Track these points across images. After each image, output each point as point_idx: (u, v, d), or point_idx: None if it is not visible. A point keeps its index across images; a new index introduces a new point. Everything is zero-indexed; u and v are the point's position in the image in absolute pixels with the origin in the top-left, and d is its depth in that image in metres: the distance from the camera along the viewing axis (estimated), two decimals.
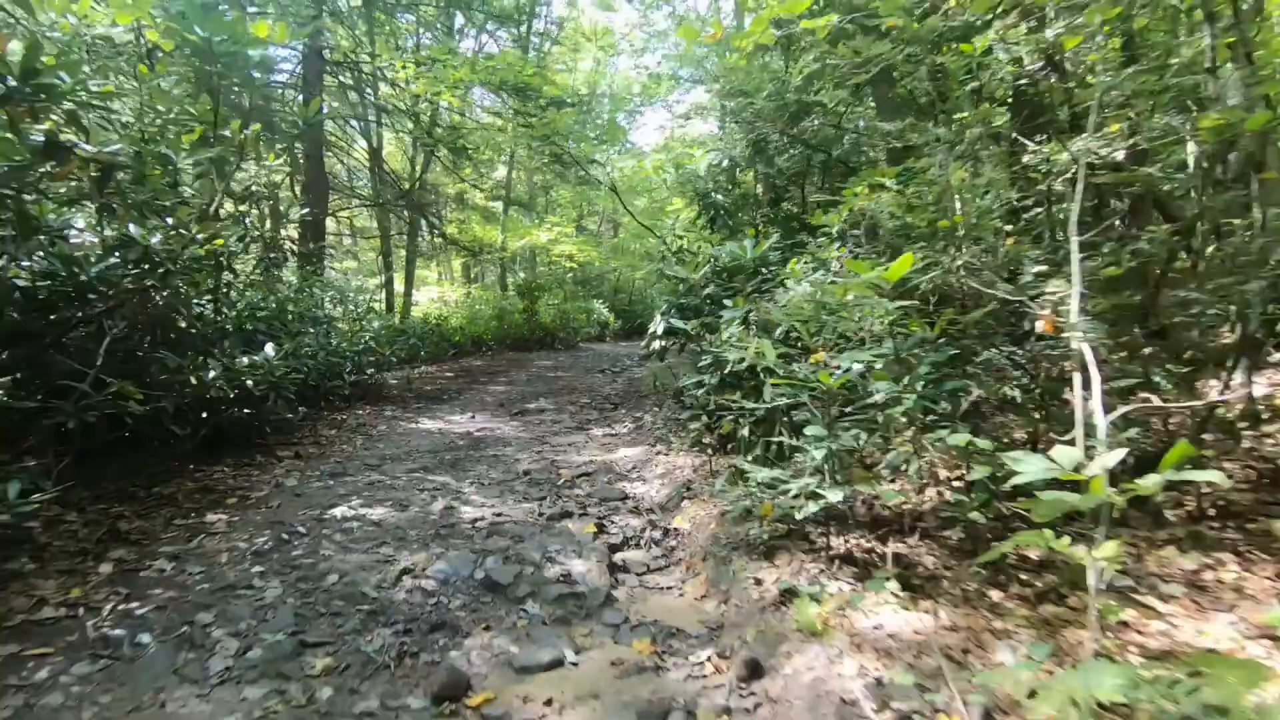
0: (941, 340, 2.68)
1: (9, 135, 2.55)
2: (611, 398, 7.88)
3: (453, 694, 2.08)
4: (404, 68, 8.31)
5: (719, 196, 5.69)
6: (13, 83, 2.22)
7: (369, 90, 13.89)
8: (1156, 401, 2.35)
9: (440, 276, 22.50)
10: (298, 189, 10.70)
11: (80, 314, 3.48)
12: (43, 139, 2.50)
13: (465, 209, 20.97)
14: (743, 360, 2.95)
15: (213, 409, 4.14)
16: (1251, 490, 2.55)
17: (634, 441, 5.48)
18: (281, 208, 7.73)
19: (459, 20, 16.70)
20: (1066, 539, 1.93)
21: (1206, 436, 2.88)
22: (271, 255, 6.32)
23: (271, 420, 5.05)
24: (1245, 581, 2.15)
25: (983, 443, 2.08)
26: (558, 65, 19.77)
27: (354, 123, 15.39)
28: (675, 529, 3.49)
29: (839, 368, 2.48)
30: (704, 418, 4.30)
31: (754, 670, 2.11)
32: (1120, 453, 1.76)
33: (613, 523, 3.63)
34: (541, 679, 2.20)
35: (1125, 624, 2.03)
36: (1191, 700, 1.47)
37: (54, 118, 2.56)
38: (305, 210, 7.68)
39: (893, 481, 2.63)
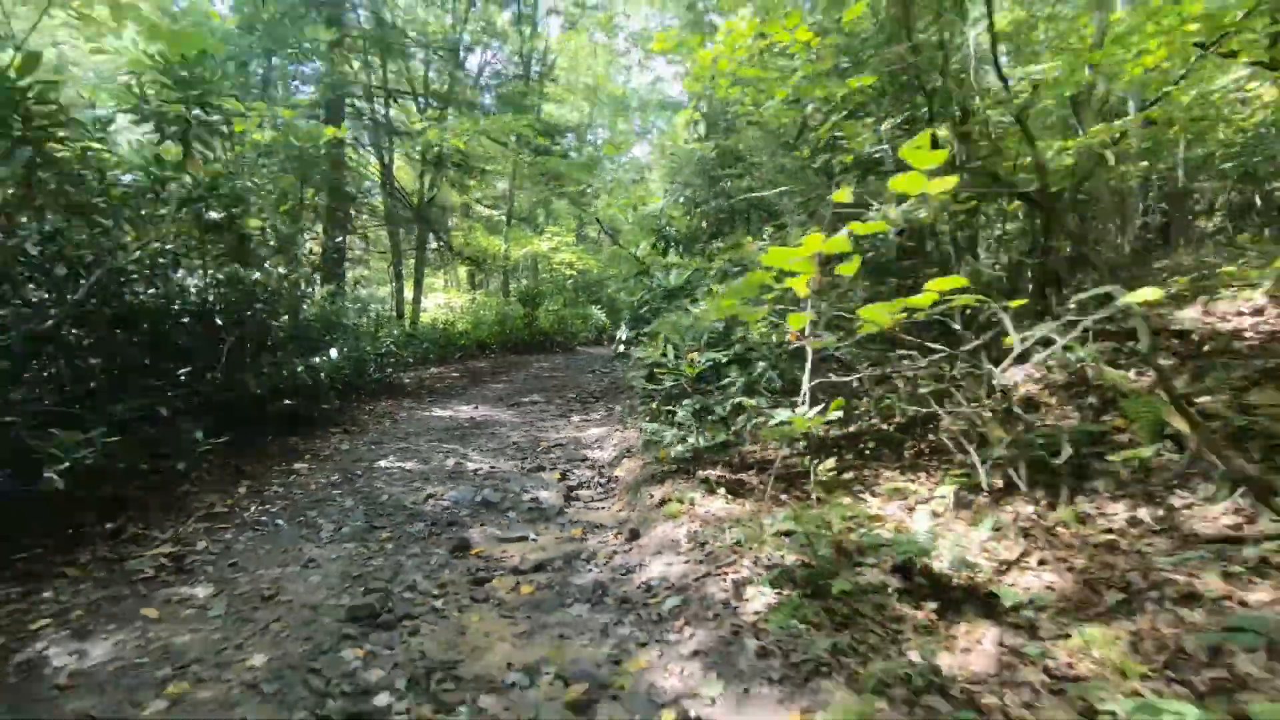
0: (786, 345, 4.32)
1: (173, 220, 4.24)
2: (594, 393, 9.52)
3: (462, 549, 3.73)
4: (418, 123, 10.01)
5: (671, 230, 7.34)
6: (203, 192, 3.87)
7: (380, 114, 15.61)
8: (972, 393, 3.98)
9: (446, 284, 24.21)
10: (320, 201, 12.44)
11: (195, 326, 5.17)
12: (210, 221, 4.17)
13: (470, 219, 22.67)
14: (650, 358, 4.59)
15: (287, 396, 5.81)
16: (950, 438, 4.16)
17: (602, 424, 7.13)
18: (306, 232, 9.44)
19: (466, 38, 18.40)
20: (817, 462, 3.58)
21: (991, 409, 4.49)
22: (311, 275, 8.00)
23: (322, 407, 6.73)
24: (921, 486, 3.77)
25: (753, 402, 3.72)
26: (560, 79, 21.44)
27: (366, 143, 17.14)
28: (615, 476, 5.14)
29: (699, 361, 4.12)
30: (650, 402, 5.94)
31: (634, 535, 3.75)
32: (816, 409, 3.39)
33: (573, 473, 5.28)
34: (514, 545, 3.84)
35: (845, 499, 3.65)
36: (815, 524, 3.10)
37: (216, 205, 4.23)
38: (339, 239, 9.41)
39: (738, 433, 4.25)
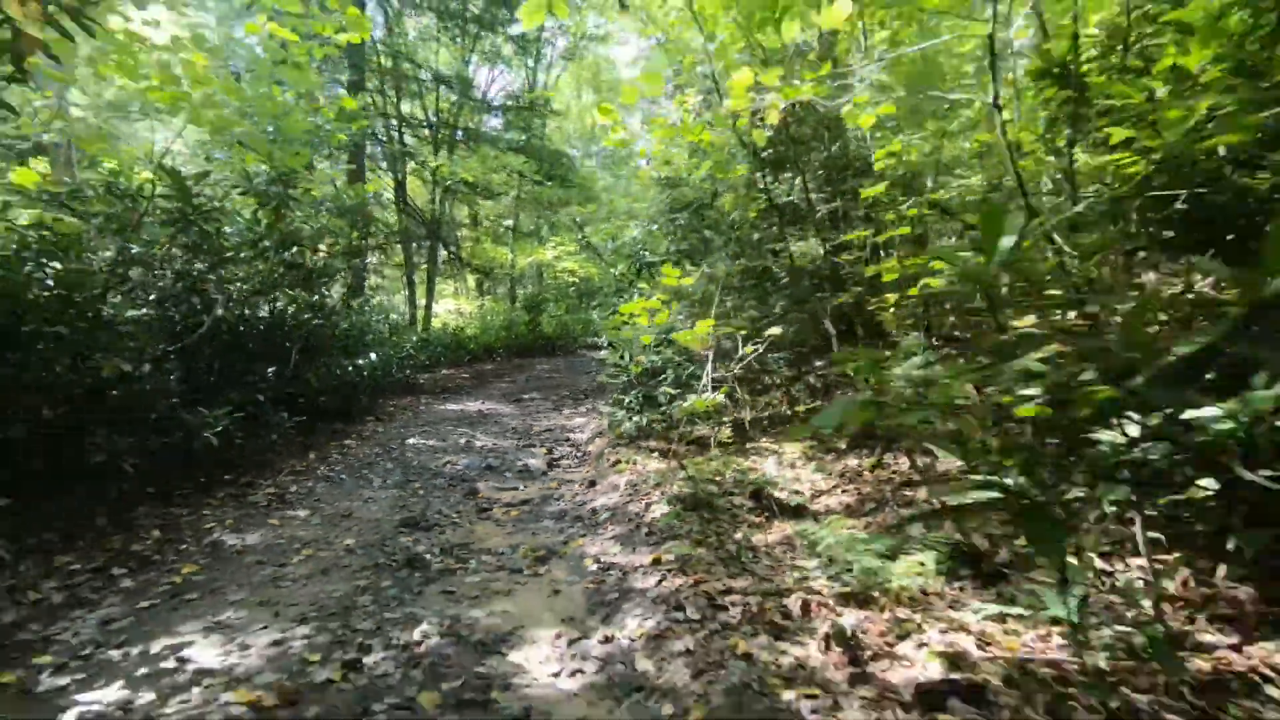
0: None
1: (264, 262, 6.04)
2: (585, 391, 11.26)
3: (471, 494, 5.47)
4: (432, 161, 11.80)
5: (645, 254, 9.07)
6: (289, 241, 5.66)
7: (395, 139, 17.46)
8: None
9: (456, 290, 26.06)
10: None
11: (271, 338, 6.95)
12: (288, 261, 5.95)
13: (479, 230, 24.49)
14: (611, 360, 6.31)
15: (333, 392, 7.58)
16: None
17: (586, 415, 8.87)
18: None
19: (474, 59, 20.26)
20: (717, 432, 5.30)
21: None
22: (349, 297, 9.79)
23: (358, 401, 8.51)
24: (789, 449, 5.46)
25: (675, 390, 5.43)
26: (563, 104, 23.25)
27: (381, 161, 19.01)
28: (588, 451, 6.87)
29: (643, 363, 5.84)
30: (614, 394, 7.66)
31: (591, 484, 5.48)
32: (715, 394, 5.09)
33: (557, 449, 7.01)
34: (508, 492, 5.58)
35: (739, 459, 5.35)
36: (702, 470, 4.82)
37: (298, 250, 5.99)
38: (364, 263, 11.23)
39: (670, 415, 5.95)
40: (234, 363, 5.97)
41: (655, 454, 5.67)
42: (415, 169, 17.58)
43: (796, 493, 4.60)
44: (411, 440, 7.13)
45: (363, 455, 6.48)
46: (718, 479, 4.86)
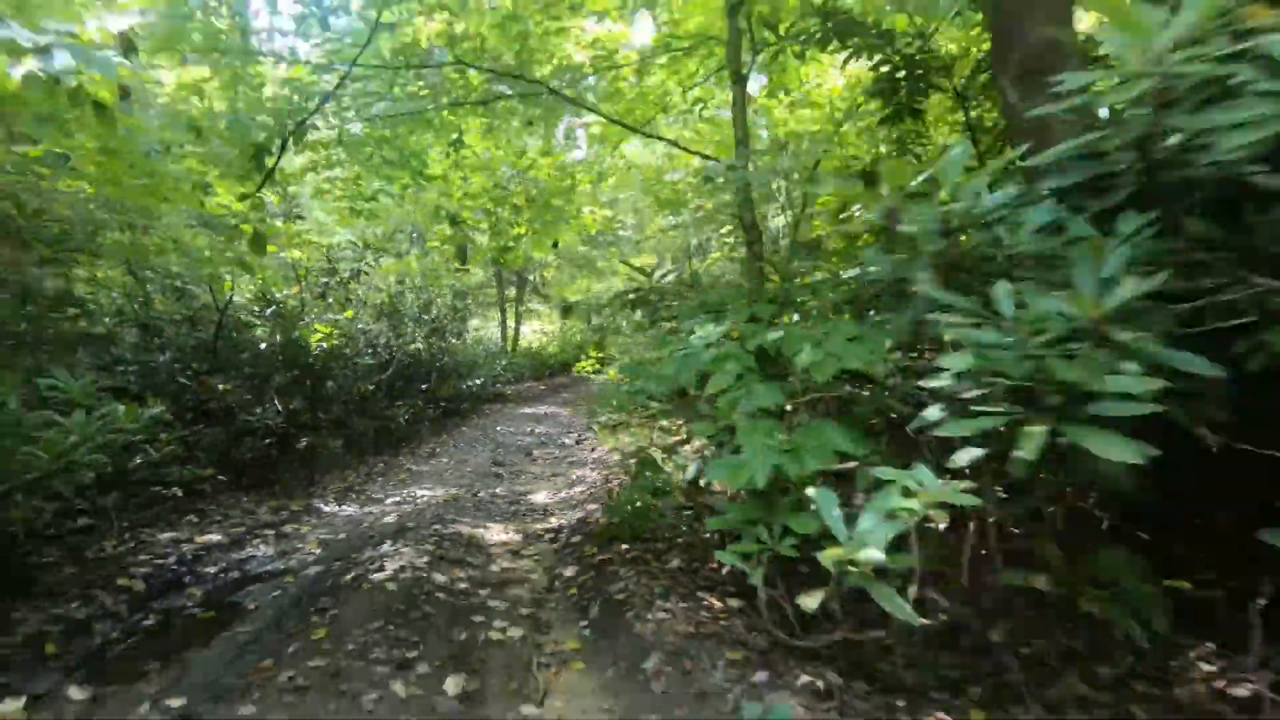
0: None
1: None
2: None
3: (530, 455, 10.68)
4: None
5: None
6: (431, 317, 11.03)
7: None
8: None
9: (541, 313, 31.95)
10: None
11: (417, 368, 12.46)
12: (431, 325, 11.37)
13: (558, 258, 30.13)
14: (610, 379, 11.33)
15: (452, 400, 13.05)
16: None
17: None
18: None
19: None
20: (658, 420, 10.34)
21: None
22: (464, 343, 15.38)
23: (464, 406, 13.98)
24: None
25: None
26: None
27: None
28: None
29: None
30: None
31: (593, 449, 10.58)
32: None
33: (584, 434, 12.14)
34: (549, 453, 10.77)
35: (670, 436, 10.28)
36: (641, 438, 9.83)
37: (436, 317, 11.36)
38: (466, 310, 16.86)
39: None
40: (404, 383, 11.48)
41: (626, 433, 10.67)
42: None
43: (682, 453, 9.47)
44: (499, 429, 12.50)
45: (470, 437, 11.87)
46: (647, 444, 9.79)
